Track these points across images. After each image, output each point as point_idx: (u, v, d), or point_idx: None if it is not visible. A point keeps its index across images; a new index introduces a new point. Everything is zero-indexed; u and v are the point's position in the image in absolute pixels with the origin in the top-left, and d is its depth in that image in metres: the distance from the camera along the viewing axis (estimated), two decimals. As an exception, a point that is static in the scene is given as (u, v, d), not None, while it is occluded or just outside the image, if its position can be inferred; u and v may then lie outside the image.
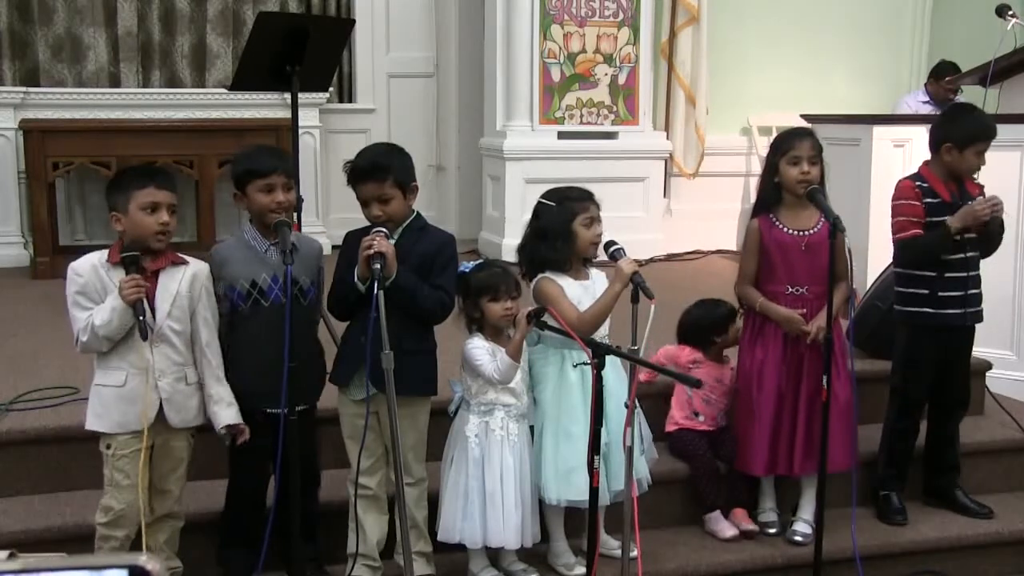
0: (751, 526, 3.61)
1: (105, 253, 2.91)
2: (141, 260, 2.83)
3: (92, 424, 2.93)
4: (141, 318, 2.75)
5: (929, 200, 3.62)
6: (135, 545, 3.01)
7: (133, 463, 2.90)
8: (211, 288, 3.01)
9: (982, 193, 3.68)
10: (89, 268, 2.88)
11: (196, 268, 2.99)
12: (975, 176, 3.68)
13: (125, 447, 2.90)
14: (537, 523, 3.25)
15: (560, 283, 3.25)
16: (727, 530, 3.58)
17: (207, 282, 3.00)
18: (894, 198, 3.70)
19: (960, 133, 3.62)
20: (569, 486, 3.18)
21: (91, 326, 2.80)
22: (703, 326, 3.74)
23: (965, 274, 3.66)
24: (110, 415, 2.89)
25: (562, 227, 3.25)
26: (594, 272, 3.35)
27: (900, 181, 3.73)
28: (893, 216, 3.69)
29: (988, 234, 3.64)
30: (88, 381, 3.00)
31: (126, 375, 2.87)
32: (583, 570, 3.30)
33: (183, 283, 2.93)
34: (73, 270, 2.89)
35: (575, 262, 3.30)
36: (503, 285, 3.14)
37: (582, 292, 3.26)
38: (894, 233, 3.68)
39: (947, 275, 3.63)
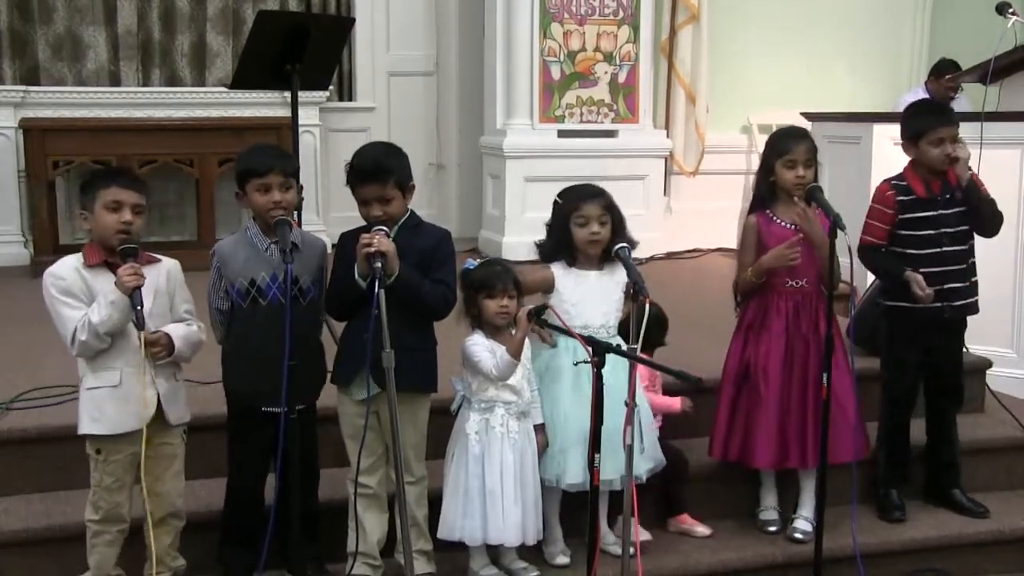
0: (704, 530, 3.62)
1: (80, 256, 2.89)
2: (136, 252, 2.83)
3: (88, 428, 2.89)
4: (139, 307, 2.74)
5: (903, 198, 3.66)
6: (132, 540, 3.00)
7: (123, 466, 2.90)
8: (183, 280, 3.03)
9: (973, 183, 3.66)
10: (70, 270, 2.86)
11: (169, 265, 3.00)
12: (959, 165, 3.61)
13: (117, 452, 2.88)
14: (540, 520, 3.25)
15: (556, 272, 3.34)
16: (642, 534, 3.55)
17: (180, 276, 3.03)
18: (871, 199, 3.75)
19: (906, 131, 3.69)
20: (563, 468, 3.24)
21: (89, 324, 2.77)
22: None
23: (940, 269, 3.65)
24: (107, 417, 2.86)
25: (559, 225, 3.35)
26: (609, 266, 3.36)
27: (880, 183, 3.77)
28: (866, 215, 3.74)
29: (977, 213, 3.65)
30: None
31: (120, 374, 2.86)
32: (565, 560, 3.36)
33: (160, 280, 2.93)
34: (53, 274, 2.86)
35: (580, 255, 3.35)
36: (500, 283, 3.15)
37: (575, 283, 3.31)
38: (861, 232, 3.71)
39: (921, 270, 3.62)
